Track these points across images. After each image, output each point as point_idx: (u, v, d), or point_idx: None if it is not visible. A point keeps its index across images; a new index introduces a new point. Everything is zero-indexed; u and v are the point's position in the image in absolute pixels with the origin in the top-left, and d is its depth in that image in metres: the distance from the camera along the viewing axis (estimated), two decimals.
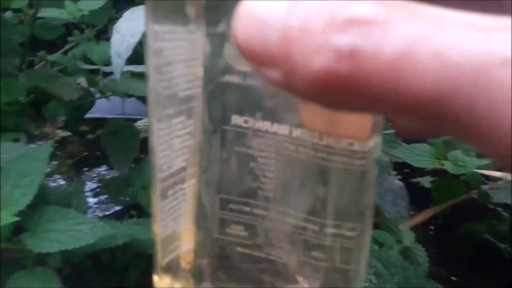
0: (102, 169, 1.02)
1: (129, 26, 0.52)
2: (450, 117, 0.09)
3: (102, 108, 0.93)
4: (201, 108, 0.17)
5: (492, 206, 0.81)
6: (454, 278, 0.75)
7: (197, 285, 0.18)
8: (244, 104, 0.16)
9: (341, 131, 0.15)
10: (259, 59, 0.11)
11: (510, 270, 0.74)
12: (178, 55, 0.16)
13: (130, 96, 0.75)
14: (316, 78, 0.10)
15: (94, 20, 0.76)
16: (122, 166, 0.81)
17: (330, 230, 0.16)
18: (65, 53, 0.79)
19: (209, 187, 0.17)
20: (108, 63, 0.73)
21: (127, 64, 0.64)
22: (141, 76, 0.70)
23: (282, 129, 0.16)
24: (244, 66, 0.16)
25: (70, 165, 1.02)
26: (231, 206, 0.17)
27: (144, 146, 0.93)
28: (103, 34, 0.81)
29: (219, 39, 0.16)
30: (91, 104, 0.77)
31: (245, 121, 0.16)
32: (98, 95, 0.77)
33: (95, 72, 0.79)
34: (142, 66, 0.69)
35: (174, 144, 0.17)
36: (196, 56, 0.16)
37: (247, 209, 0.17)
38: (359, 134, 0.15)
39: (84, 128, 1.09)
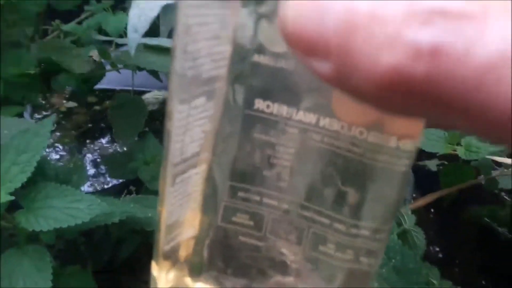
0: (105, 141, 1.00)
1: (148, 0, 0.49)
2: None
3: (111, 79, 0.91)
4: (224, 91, 0.15)
5: (497, 192, 0.82)
6: (449, 260, 0.78)
7: (196, 274, 0.17)
8: (269, 87, 0.15)
9: (390, 129, 0.14)
10: (309, 46, 0.09)
11: (504, 251, 0.76)
12: (207, 32, 0.15)
13: (141, 69, 0.73)
14: (383, 77, 0.08)
15: None
16: (127, 140, 0.79)
17: (355, 231, 0.15)
18: (81, 23, 0.76)
19: (221, 172, 0.17)
20: (122, 34, 0.71)
21: (142, 37, 0.62)
22: (155, 49, 0.68)
23: (309, 117, 0.15)
24: (277, 47, 0.14)
25: (74, 136, 1.00)
26: (240, 194, 0.16)
27: (150, 119, 0.92)
28: (121, 4, 0.79)
29: (253, 15, 0.14)
30: (101, 76, 0.75)
31: (268, 106, 0.15)
32: (108, 67, 0.75)
33: (109, 43, 0.76)
34: (157, 38, 0.67)
35: (191, 128, 0.16)
36: (225, 33, 0.15)
37: (257, 198, 0.16)
38: (411, 133, 0.14)
39: (92, 99, 1.06)
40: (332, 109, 0.15)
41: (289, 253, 0.16)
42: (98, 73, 0.74)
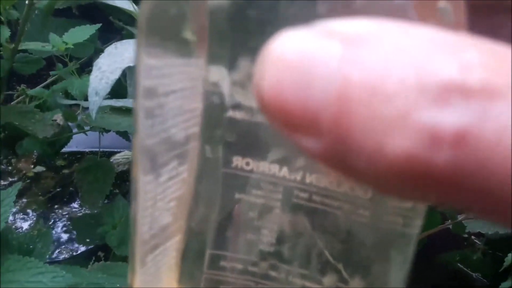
0: (75, 206, 0.97)
1: (110, 63, 0.50)
2: None
3: (80, 142, 0.90)
4: (198, 150, 0.14)
5: (467, 236, 0.82)
6: None
7: None
8: (247, 143, 0.14)
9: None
10: (292, 121, 0.08)
11: None
12: (173, 92, 0.13)
13: (108, 131, 0.73)
14: (391, 164, 0.07)
15: (78, 52, 0.75)
16: (94, 204, 0.78)
17: None
18: (47, 86, 0.77)
19: (199, 241, 0.15)
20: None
21: (108, 98, 0.62)
22: (121, 110, 0.68)
23: (294, 174, 0.13)
24: (254, 100, 0.13)
25: (42, 202, 0.97)
26: (223, 263, 0.15)
27: (120, 180, 0.90)
28: (88, 67, 0.80)
29: (223, 69, 0.13)
30: (68, 139, 0.74)
31: (247, 163, 0.14)
32: (76, 130, 0.75)
33: (75, 106, 0.76)
34: (123, 100, 0.67)
35: (161, 198, 0.14)
36: (195, 91, 0.13)
37: (241, 267, 0.15)
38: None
39: (61, 162, 1.05)
40: (318, 165, 0.13)
41: None
42: (64, 136, 0.73)
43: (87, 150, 1.04)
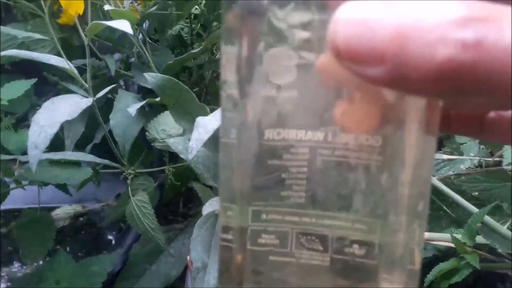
0: (15, 266, 0.94)
1: (48, 117, 0.52)
2: None
3: (17, 198, 0.88)
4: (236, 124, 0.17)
5: None
6: None
7: None
8: (277, 116, 0.17)
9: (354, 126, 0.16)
10: (363, 58, 0.12)
11: None
12: None
13: (47, 184, 0.72)
14: (439, 68, 0.11)
15: (14, 107, 0.75)
16: (35, 259, 0.76)
17: (359, 226, 0.17)
18: None
19: (241, 200, 0.18)
20: (25, 152, 0.71)
21: (46, 152, 0.63)
22: (60, 163, 0.69)
23: (316, 135, 0.17)
24: (281, 79, 0.16)
25: None
26: (263, 216, 0.17)
27: (61, 236, 0.88)
28: (24, 121, 0.80)
29: (256, 54, 0.16)
30: (5, 196, 0.73)
31: (278, 133, 0.17)
32: (13, 185, 0.74)
33: (11, 161, 0.76)
34: (61, 152, 0.68)
35: None
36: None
37: (279, 217, 0.17)
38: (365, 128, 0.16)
39: None
40: (336, 124, 0.16)
41: (317, 262, 0.17)
42: (1, 192, 0.72)
43: (24, 207, 1.01)
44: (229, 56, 0.17)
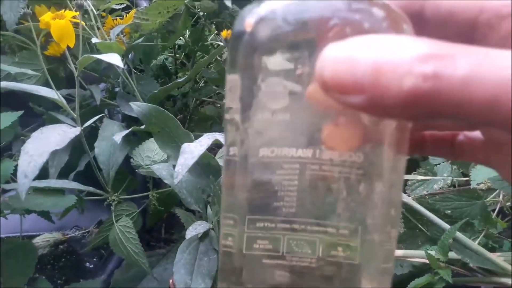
0: None
1: (37, 147, 0.53)
2: (500, 115, 0.13)
3: None
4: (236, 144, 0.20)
5: None
6: None
7: None
8: (271, 137, 0.19)
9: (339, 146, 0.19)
10: (347, 89, 0.15)
11: None
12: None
13: (30, 212, 0.72)
14: (407, 95, 0.14)
15: None
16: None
17: (343, 231, 0.19)
18: None
19: (239, 209, 0.20)
20: (10, 180, 0.71)
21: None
22: (44, 190, 0.69)
23: (306, 153, 0.19)
24: (276, 104, 0.19)
25: None
26: (258, 224, 0.19)
27: (41, 264, 0.87)
28: (7, 151, 0.80)
29: (256, 85, 0.19)
30: None
31: (272, 151, 0.19)
32: None
33: None
34: (46, 180, 0.68)
35: None
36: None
37: (272, 225, 0.19)
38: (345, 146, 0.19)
39: None
40: (323, 143, 0.19)
41: (306, 264, 0.19)
42: None
43: (3, 235, 1.00)
44: (232, 86, 0.20)
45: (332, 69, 0.15)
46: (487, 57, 0.14)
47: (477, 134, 0.22)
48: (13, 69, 0.55)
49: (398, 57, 0.14)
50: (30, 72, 0.60)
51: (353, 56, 0.15)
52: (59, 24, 0.53)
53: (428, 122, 0.23)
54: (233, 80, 0.20)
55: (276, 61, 0.19)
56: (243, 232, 0.20)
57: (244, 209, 0.20)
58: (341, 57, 0.15)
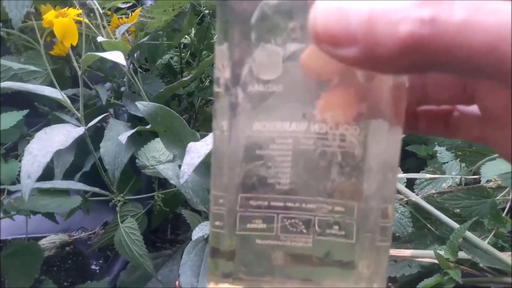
0: None
1: (41, 147, 0.52)
2: (494, 62, 0.13)
3: (3, 229, 0.87)
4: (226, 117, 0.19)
5: None
6: None
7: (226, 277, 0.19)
8: (263, 109, 0.18)
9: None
10: (339, 40, 0.14)
11: None
12: None
13: (36, 213, 0.72)
14: (403, 42, 0.13)
15: (4, 138, 0.75)
16: None
17: (339, 208, 0.18)
18: None
19: (231, 188, 0.19)
20: (15, 181, 0.71)
21: (36, 182, 0.63)
22: (49, 191, 0.69)
23: (300, 126, 0.18)
24: (268, 75, 0.18)
25: None
26: (251, 202, 0.19)
27: (47, 266, 0.87)
28: (13, 151, 0.80)
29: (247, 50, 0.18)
30: None
31: (264, 126, 0.18)
32: (1, 215, 0.74)
33: (1, 191, 0.76)
34: (50, 182, 0.68)
35: None
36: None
37: (265, 203, 0.18)
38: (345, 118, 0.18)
39: None
40: (319, 116, 0.18)
41: (301, 244, 0.18)
42: None
43: (10, 237, 1.00)
44: (222, 56, 0.19)
45: (323, 21, 0.14)
46: (486, 2, 0.13)
47: (473, 109, 0.22)
48: (16, 65, 0.55)
49: (392, 3, 0.14)
50: (37, 70, 0.60)
51: (345, 6, 0.14)
52: (62, 22, 0.53)
53: (423, 74, 0.21)
54: (222, 50, 0.19)
55: (268, 25, 0.18)
56: (235, 211, 0.19)
57: (237, 188, 0.19)
58: (333, 7, 0.14)
